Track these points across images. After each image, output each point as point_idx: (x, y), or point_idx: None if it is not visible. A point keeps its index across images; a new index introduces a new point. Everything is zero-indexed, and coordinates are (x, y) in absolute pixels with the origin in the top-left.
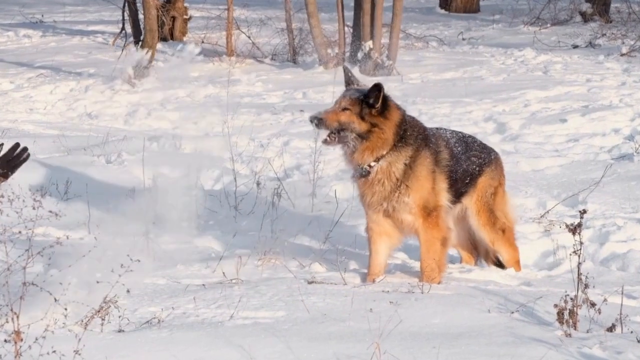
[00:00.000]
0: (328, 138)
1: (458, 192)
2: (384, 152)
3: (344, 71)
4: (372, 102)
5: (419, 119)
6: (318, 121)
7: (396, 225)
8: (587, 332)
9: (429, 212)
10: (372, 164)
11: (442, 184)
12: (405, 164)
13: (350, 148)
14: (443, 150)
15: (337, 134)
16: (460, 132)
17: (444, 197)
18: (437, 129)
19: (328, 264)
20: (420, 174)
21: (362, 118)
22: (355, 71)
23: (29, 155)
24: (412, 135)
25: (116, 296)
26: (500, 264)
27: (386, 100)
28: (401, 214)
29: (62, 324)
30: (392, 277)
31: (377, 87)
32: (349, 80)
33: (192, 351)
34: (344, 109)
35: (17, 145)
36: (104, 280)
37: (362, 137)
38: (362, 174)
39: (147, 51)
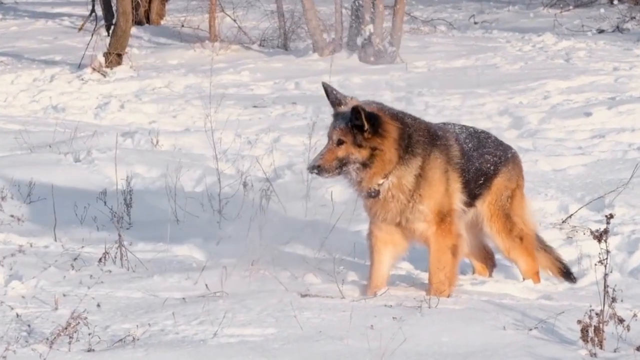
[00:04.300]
0: (328, 175)
1: (472, 193)
2: (391, 169)
3: (326, 90)
4: (360, 126)
5: (425, 113)
6: (318, 170)
7: (405, 233)
8: (615, 351)
9: (443, 217)
10: (381, 181)
11: (456, 184)
12: (416, 175)
13: (354, 178)
14: (453, 146)
15: (340, 169)
16: (471, 127)
17: (458, 199)
18: (443, 124)
19: (324, 275)
20: (433, 178)
21: (360, 145)
22: (354, 59)
23: None
24: (419, 141)
25: (85, 311)
26: (568, 274)
27: (375, 118)
28: (415, 223)
29: (25, 342)
30: (396, 289)
31: (356, 110)
32: (334, 100)
33: None
34: (339, 143)
35: None
36: (72, 293)
37: (365, 164)
38: (371, 195)
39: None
